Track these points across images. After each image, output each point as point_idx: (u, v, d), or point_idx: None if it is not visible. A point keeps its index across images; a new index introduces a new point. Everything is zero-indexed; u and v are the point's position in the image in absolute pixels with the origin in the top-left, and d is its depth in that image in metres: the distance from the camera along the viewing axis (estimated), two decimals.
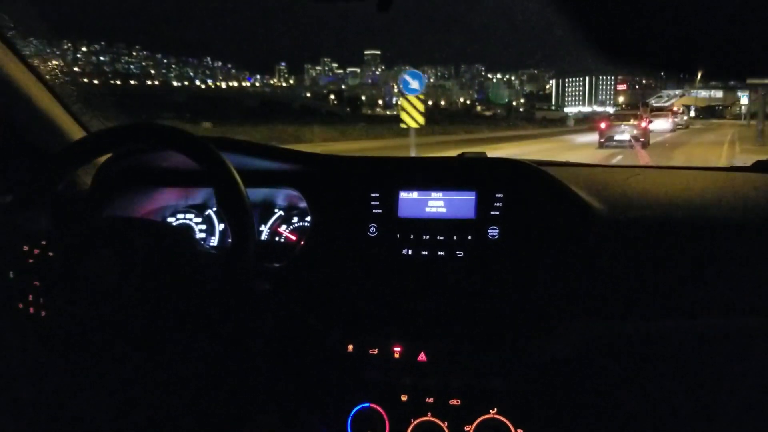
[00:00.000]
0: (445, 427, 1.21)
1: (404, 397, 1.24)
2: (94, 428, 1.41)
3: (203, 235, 1.60)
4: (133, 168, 1.49)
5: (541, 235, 1.27)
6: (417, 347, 1.25)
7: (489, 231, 1.29)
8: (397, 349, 1.25)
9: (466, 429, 1.20)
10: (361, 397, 1.26)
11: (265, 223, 1.56)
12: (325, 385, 1.30)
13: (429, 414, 1.22)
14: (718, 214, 1.32)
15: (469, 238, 1.30)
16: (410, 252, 1.31)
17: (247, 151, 1.40)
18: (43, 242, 1.13)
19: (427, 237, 1.32)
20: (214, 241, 1.59)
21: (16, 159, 1.54)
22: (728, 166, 1.65)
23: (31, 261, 1.12)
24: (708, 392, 1.31)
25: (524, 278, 1.26)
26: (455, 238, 1.30)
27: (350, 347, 1.27)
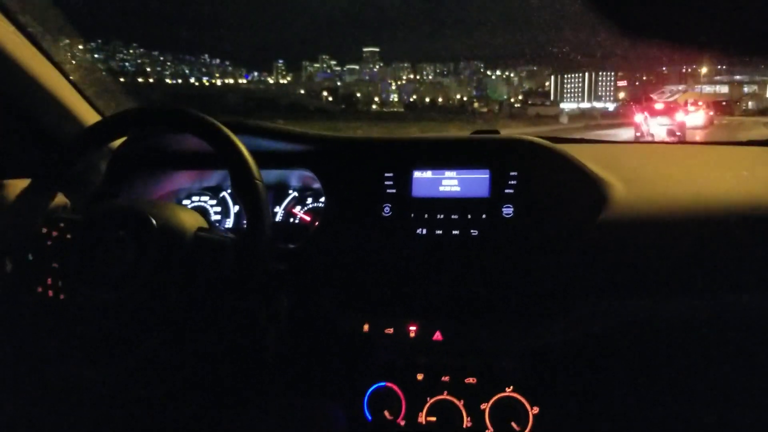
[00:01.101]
0: (461, 406, 1.21)
1: (420, 376, 1.25)
2: (110, 410, 1.43)
3: (218, 217, 1.60)
4: (148, 151, 1.50)
5: (557, 213, 1.26)
6: (432, 326, 1.25)
7: (503, 209, 1.28)
8: (412, 328, 1.26)
9: (482, 407, 1.21)
10: (377, 376, 1.26)
11: (280, 204, 1.56)
12: (341, 365, 1.31)
13: (445, 392, 1.23)
14: (738, 189, 1.30)
15: (484, 216, 1.29)
16: (424, 231, 1.31)
17: (260, 133, 1.40)
18: (61, 224, 1.14)
19: (442, 216, 1.31)
20: (229, 223, 1.59)
21: (32, 144, 1.55)
22: (747, 141, 1.62)
23: (49, 243, 1.13)
24: (727, 373, 1.30)
25: (539, 256, 1.25)
26: (469, 216, 1.30)
27: (366, 327, 1.27)
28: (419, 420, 1.22)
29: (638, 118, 18.86)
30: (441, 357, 1.25)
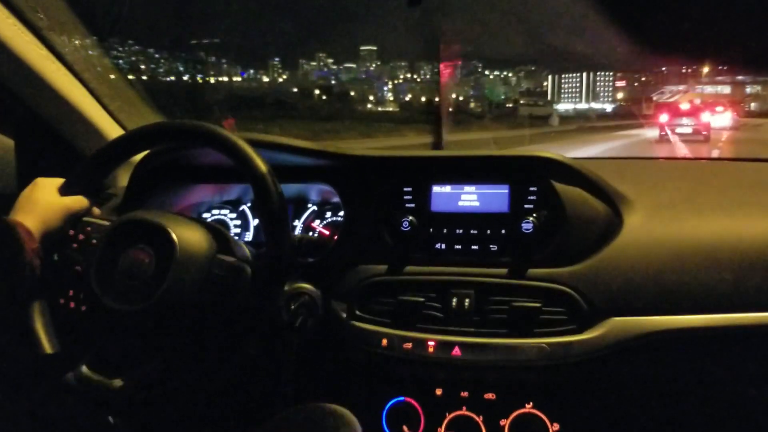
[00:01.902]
0: (480, 422, 1.21)
1: (439, 392, 1.24)
2: (123, 422, 1.44)
3: (238, 230, 1.62)
4: (170, 164, 1.52)
5: (575, 230, 1.26)
6: (451, 342, 1.25)
7: (523, 225, 1.28)
8: (431, 343, 1.25)
9: (501, 423, 1.20)
10: (396, 391, 1.26)
11: (299, 219, 1.57)
12: (360, 380, 1.31)
13: (464, 408, 1.22)
14: (758, 206, 1.29)
15: (503, 231, 1.29)
16: (443, 246, 1.31)
17: (280, 148, 1.41)
18: (88, 228, 1.16)
19: (461, 231, 1.31)
20: (249, 236, 1.60)
21: (56, 157, 1.58)
22: (761, 158, 1.60)
23: (75, 246, 1.15)
24: (749, 393, 1.28)
25: (558, 272, 1.24)
26: (489, 232, 1.30)
27: (384, 342, 1.27)
28: None
29: (663, 118, 18.87)
30: (460, 372, 1.25)
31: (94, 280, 1.08)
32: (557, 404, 1.20)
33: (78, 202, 1.19)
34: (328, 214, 1.56)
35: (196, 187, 1.60)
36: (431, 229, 1.33)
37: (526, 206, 1.29)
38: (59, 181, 1.20)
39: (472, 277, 1.28)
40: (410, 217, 1.33)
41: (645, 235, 1.24)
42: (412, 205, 1.35)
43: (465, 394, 1.23)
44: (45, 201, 1.15)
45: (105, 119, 1.64)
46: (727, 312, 1.20)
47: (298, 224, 1.57)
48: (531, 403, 1.20)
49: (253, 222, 1.61)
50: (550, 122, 30.83)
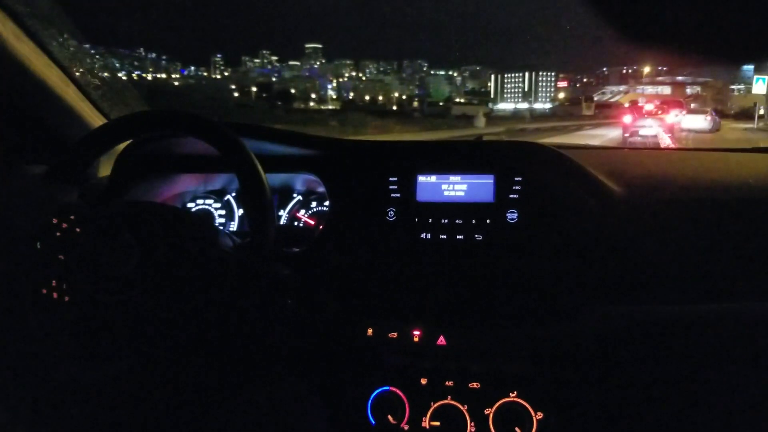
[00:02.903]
0: (464, 411, 1.21)
1: (424, 381, 1.24)
2: (110, 413, 1.43)
3: (222, 220, 1.61)
4: (153, 154, 1.50)
5: (560, 219, 1.26)
6: (436, 331, 1.25)
7: (508, 214, 1.28)
8: (416, 332, 1.26)
9: (485, 412, 1.20)
10: (381, 380, 1.26)
11: (284, 208, 1.56)
12: (345, 369, 1.31)
13: (449, 397, 1.23)
14: (741, 195, 1.30)
15: (488, 221, 1.29)
16: (429, 236, 1.31)
17: (265, 136, 1.40)
18: (72, 217, 1.14)
19: (446, 221, 1.31)
20: (234, 226, 1.59)
21: (37, 146, 1.56)
22: (751, 148, 1.61)
23: (58, 234, 1.14)
24: (733, 379, 1.30)
25: (543, 262, 1.25)
26: (474, 221, 1.30)
27: (370, 331, 1.27)
28: (423, 425, 1.22)
29: (627, 119, 17.43)
30: (445, 362, 1.25)
31: (77, 267, 1.07)
32: (541, 393, 1.21)
33: (61, 190, 1.17)
34: (314, 203, 1.55)
35: (180, 176, 1.59)
36: (416, 219, 1.33)
37: (511, 196, 1.30)
38: (43, 168, 1.19)
39: (458, 267, 1.28)
40: (395, 207, 1.33)
41: (628, 224, 1.25)
42: (398, 195, 1.35)
43: (450, 383, 1.23)
44: (27, 192, 1.14)
45: (87, 108, 1.62)
46: (713, 302, 1.22)
47: (284, 214, 1.56)
48: (515, 392, 1.21)
49: (238, 212, 1.60)
50: (475, 123, 27.48)
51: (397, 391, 1.25)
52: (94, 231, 1.09)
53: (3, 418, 1.42)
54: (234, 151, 1.13)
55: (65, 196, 1.18)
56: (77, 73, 1.59)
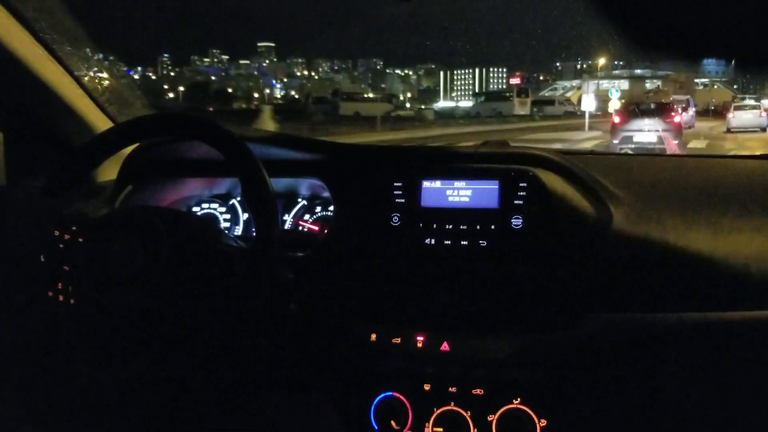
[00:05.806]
0: (468, 417, 1.21)
1: (427, 387, 1.24)
2: (116, 414, 1.44)
3: (227, 224, 1.61)
4: (159, 158, 1.51)
5: (565, 225, 1.26)
6: (440, 337, 1.25)
7: (512, 220, 1.28)
8: (420, 338, 1.25)
9: (489, 419, 1.20)
10: (384, 386, 1.26)
11: (289, 213, 1.57)
12: (348, 375, 1.31)
13: (452, 403, 1.22)
14: (749, 203, 1.29)
15: (492, 227, 1.29)
16: (433, 241, 1.31)
17: (270, 141, 1.41)
18: (74, 228, 1.15)
19: (450, 226, 1.31)
20: (239, 230, 1.60)
21: (46, 148, 1.57)
22: (760, 154, 1.60)
23: (61, 246, 1.14)
24: (736, 387, 1.29)
25: (548, 268, 1.24)
26: (478, 227, 1.30)
27: (373, 336, 1.27)
28: (426, 430, 1.22)
29: (616, 118, 14.35)
30: (448, 367, 1.25)
31: (83, 275, 1.08)
32: (545, 400, 1.20)
33: (62, 202, 1.18)
34: (318, 208, 1.55)
35: (185, 180, 1.59)
36: (421, 225, 1.32)
37: (515, 202, 1.29)
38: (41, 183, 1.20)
39: (462, 272, 1.28)
40: (400, 212, 1.33)
41: (633, 231, 1.24)
42: (402, 200, 1.35)
43: (453, 389, 1.23)
44: (27, 206, 1.16)
45: (95, 112, 1.63)
46: (716, 310, 1.21)
47: (288, 219, 1.56)
48: (519, 399, 1.20)
49: (243, 216, 1.61)
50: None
51: (400, 396, 1.24)
52: (98, 238, 1.10)
53: (16, 415, 1.43)
54: (239, 155, 1.13)
55: (66, 207, 1.19)
56: (84, 77, 1.60)
